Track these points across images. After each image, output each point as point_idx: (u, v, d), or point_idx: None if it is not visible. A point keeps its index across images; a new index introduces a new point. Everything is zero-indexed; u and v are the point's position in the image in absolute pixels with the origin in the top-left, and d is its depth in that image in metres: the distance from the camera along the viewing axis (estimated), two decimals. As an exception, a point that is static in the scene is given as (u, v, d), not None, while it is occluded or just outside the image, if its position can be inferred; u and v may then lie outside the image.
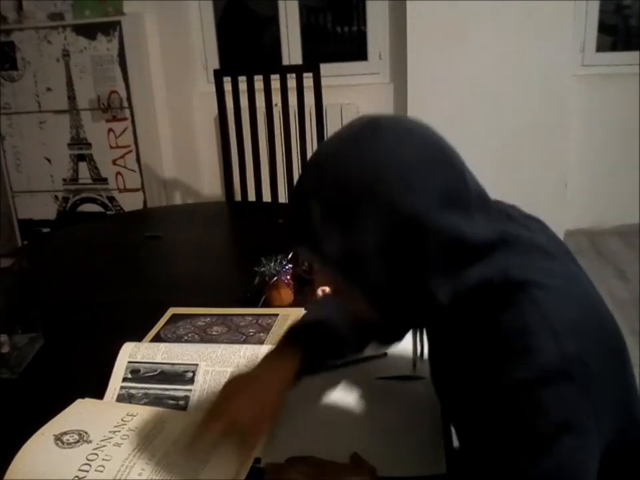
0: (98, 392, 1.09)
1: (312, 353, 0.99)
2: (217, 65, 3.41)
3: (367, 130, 0.77)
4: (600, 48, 3.24)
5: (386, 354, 1.18)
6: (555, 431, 0.71)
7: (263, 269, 1.37)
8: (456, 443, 0.97)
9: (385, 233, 0.74)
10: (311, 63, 2.43)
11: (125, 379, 1.10)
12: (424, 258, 0.75)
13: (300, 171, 2.44)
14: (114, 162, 3.10)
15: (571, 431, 0.72)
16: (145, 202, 3.15)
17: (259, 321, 1.31)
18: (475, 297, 0.77)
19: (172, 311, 1.39)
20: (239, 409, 0.91)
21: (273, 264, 1.36)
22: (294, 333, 1.02)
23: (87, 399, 1.07)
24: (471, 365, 0.80)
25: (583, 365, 0.72)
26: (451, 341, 0.84)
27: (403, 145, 0.76)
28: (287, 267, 1.37)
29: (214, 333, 1.28)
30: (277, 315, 1.33)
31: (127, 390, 1.09)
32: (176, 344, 1.18)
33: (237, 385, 0.94)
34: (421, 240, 0.74)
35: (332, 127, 3.14)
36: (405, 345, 1.22)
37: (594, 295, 0.82)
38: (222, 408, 0.91)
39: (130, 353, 1.14)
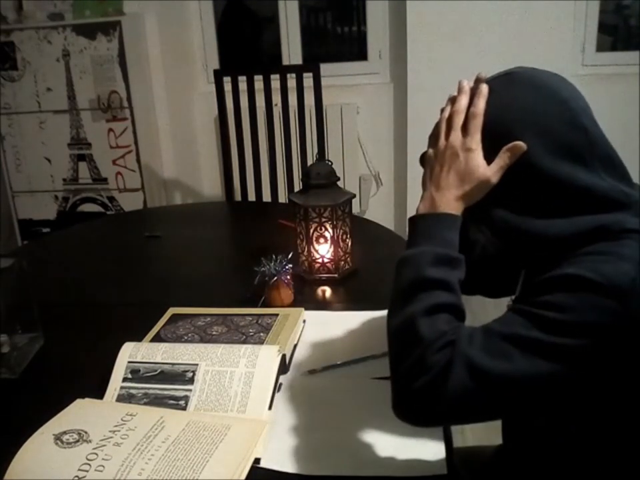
0: (98, 392, 1.09)
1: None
2: (217, 65, 3.41)
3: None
4: (600, 48, 3.24)
5: (386, 354, 1.18)
6: (562, 333, 0.72)
7: (262, 268, 1.37)
8: (456, 443, 0.97)
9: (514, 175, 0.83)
10: (311, 63, 2.43)
11: (125, 379, 1.10)
12: (545, 201, 0.82)
13: (300, 170, 2.45)
14: (114, 162, 3.10)
15: (576, 349, 0.71)
16: (145, 202, 3.15)
17: (259, 321, 1.31)
18: (589, 239, 0.79)
19: (172, 311, 1.39)
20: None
21: (272, 264, 1.36)
22: None
23: (86, 399, 1.07)
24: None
25: None
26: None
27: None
28: (287, 267, 1.37)
29: (214, 332, 1.28)
30: (277, 314, 1.33)
31: (126, 390, 1.09)
32: (176, 344, 1.18)
33: None
34: (542, 185, 0.81)
35: (332, 127, 3.15)
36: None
37: None
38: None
39: (130, 352, 1.14)
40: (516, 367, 0.73)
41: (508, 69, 0.90)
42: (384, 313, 1.32)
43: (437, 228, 0.86)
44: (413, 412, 0.79)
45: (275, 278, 1.36)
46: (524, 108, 0.83)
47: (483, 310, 1.41)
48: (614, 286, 0.72)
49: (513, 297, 0.99)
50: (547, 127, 0.82)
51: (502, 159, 0.84)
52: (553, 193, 0.82)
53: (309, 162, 2.35)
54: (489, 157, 0.85)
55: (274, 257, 1.38)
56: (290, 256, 1.40)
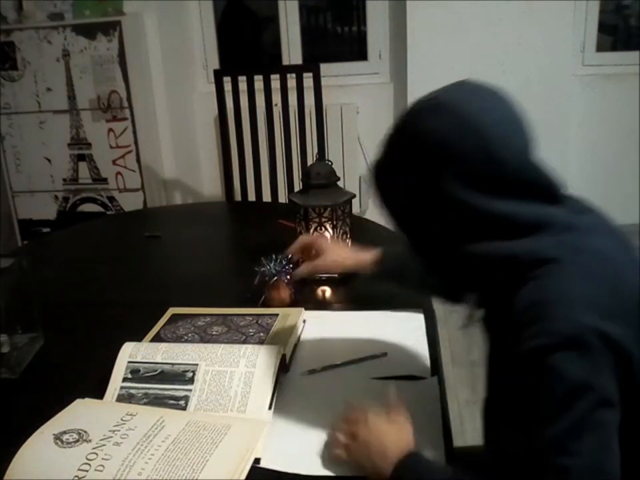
0: (98, 392, 1.09)
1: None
2: (217, 65, 3.41)
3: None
4: (600, 48, 3.24)
5: (386, 354, 1.18)
6: (572, 392, 0.73)
7: (263, 269, 1.37)
8: (456, 443, 0.97)
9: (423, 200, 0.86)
10: (311, 63, 2.43)
11: (125, 379, 1.10)
12: (459, 228, 0.84)
13: (300, 170, 2.45)
14: (114, 162, 3.10)
15: (589, 392, 0.73)
16: (145, 202, 3.15)
17: (259, 321, 1.31)
18: (500, 269, 0.82)
19: (172, 311, 1.39)
20: None
21: (272, 264, 1.36)
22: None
23: (86, 399, 1.07)
24: (495, 338, 0.85)
25: (601, 334, 0.74)
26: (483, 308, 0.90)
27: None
28: (287, 267, 1.37)
29: (214, 332, 1.28)
30: (277, 314, 1.33)
31: (126, 390, 1.09)
32: (176, 344, 1.18)
33: None
34: (457, 214, 0.83)
35: (332, 127, 3.15)
36: (406, 345, 1.22)
37: (628, 270, 0.83)
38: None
39: (130, 352, 1.14)
40: (583, 454, 0.73)
41: (438, 89, 0.89)
42: (384, 313, 1.32)
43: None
44: None
45: (275, 278, 1.36)
46: (440, 139, 0.82)
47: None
48: (568, 338, 0.74)
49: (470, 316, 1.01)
50: (462, 159, 0.82)
51: None
52: (467, 221, 0.84)
53: (309, 162, 2.35)
54: (407, 185, 0.86)
55: (274, 256, 1.38)
56: (290, 256, 1.40)
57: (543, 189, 0.85)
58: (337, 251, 1.36)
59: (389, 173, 0.90)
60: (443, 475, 0.86)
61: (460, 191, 0.82)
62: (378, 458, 0.89)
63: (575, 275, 0.79)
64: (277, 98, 2.36)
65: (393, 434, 0.91)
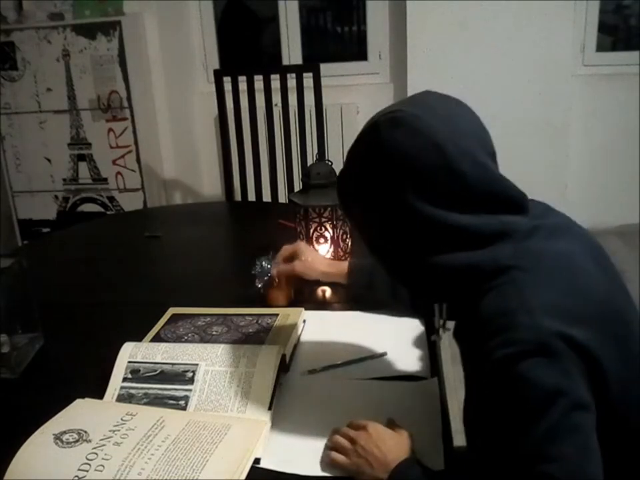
0: (98, 392, 1.09)
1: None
2: (217, 65, 3.41)
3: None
4: (600, 48, 3.24)
5: (385, 353, 1.18)
6: (545, 398, 0.74)
7: (258, 269, 1.36)
8: (456, 442, 0.97)
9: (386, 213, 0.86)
10: (311, 63, 2.43)
11: (125, 379, 1.10)
12: (421, 239, 0.84)
13: (300, 170, 2.45)
14: (114, 162, 3.10)
15: (562, 396, 0.74)
16: (145, 202, 3.15)
17: (259, 321, 1.31)
18: (461, 279, 0.83)
19: (172, 310, 1.39)
20: None
21: (264, 262, 1.36)
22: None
23: (86, 399, 1.07)
24: (466, 349, 0.86)
25: (566, 339, 0.75)
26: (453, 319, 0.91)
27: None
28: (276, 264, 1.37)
29: (214, 332, 1.28)
30: (277, 314, 1.33)
31: (126, 390, 1.09)
32: (176, 344, 1.18)
33: None
34: (418, 226, 0.84)
35: (332, 127, 3.15)
36: (405, 343, 1.22)
37: (592, 272, 0.85)
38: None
39: (130, 352, 1.14)
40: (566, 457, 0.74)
41: (401, 101, 0.90)
42: (384, 312, 1.32)
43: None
44: None
45: (269, 275, 1.35)
46: (401, 152, 0.82)
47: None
48: (532, 344, 0.75)
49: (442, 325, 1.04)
50: (421, 173, 0.82)
51: None
52: (432, 233, 0.84)
53: (309, 162, 2.35)
54: (369, 196, 0.87)
55: (265, 255, 1.38)
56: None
57: (504, 199, 0.85)
58: (314, 256, 1.39)
59: (351, 185, 0.90)
60: None
61: (419, 204, 0.82)
62: (376, 464, 0.90)
63: (535, 281, 0.79)
64: (277, 98, 2.36)
65: (393, 442, 0.92)
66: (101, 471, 0.87)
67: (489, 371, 0.78)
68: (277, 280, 1.36)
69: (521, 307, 0.77)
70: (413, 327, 1.27)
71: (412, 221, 0.84)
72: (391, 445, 0.91)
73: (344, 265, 1.36)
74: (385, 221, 0.86)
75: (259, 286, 1.36)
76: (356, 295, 1.36)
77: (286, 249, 1.40)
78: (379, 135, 0.84)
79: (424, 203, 0.82)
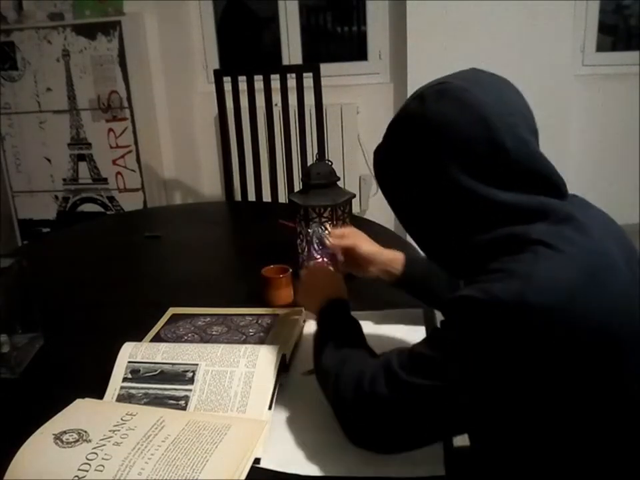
0: (98, 392, 1.09)
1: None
2: (217, 65, 3.41)
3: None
4: (600, 48, 3.24)
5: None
6: (462, 346, 0.78)
7: (315, 239, 1.31)
8: (456, 443, 0.97)
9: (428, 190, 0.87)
10: (311, 63, 2.43)
11: (125, 379, 1.10)
12: (461, 217, 0.85)
13: (300, 170, 2.45)
14: (114, 162, 3.10)
15: (476, 359, 0.77)
16: (145, 202, 3.15)
17: (259, 321, 1.31)
18: (500, 248, 0.82)
19: (172, 310, 1.39)
20: None
21: (321, 231, 1.31)
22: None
23: (86, 399, 1.07)
24: None
25: (543, 319, 0.74)
26: None
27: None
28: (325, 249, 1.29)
29: (214, 332, 1.28)
30: (277, 314, 1.33)
31: (126, 390, 1.09)
32: (176, 344, 1.18)
33: None
34: (460, 200, 0.84)
35: (332, 127, 3.15)
36: (406, 344, 1.22)
37: (621, 271, 0.82)
38: None
39: (130, 353, 1.14)
40: (409, 381, 0.82)
41: (447, 75, 0.89)
42: (384, 312, 1.32)
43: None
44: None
45: (327, 249, 1.28)
46: (445, 125, 0.82)
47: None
48: (498, 302, 0.75)
49: None
50: (465, 146, 0.82)
51: None
52: (471, 208, 0.84)
53: (309, 162, 2.35)
54: (409, 170, 0.87)
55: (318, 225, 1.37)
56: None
57: (545, 180, 0.85)
58: (370, 243, 1.29)
59: (391, 157, 0.89)
60: (350, 333, 1.02)
61: (462, 177, 0.82)
62: (312, 297, 1.11)
63: (555, 260, 0.77)
64: (277, 98, 2.36)
65: (326, 280, 1.14)
66: (101, 471, 0.87)
67: (452, 298, 0.81)
68: (340, 256, 1.28)
69: (523, 274, 0.76)
70: (416, 327, 1.27)
71: (452, 194, 0.84)
72: (324, 283, 1.13)
73: (400, 255, 1.28)
74: (423, 194, 0.86)
75: (318, 256, 1.29)
76: (412, 285, 1.28)
77: (339, 230, 1.33)
78: (424, 106, 0.84)
79: (466, 176, 0.82)
